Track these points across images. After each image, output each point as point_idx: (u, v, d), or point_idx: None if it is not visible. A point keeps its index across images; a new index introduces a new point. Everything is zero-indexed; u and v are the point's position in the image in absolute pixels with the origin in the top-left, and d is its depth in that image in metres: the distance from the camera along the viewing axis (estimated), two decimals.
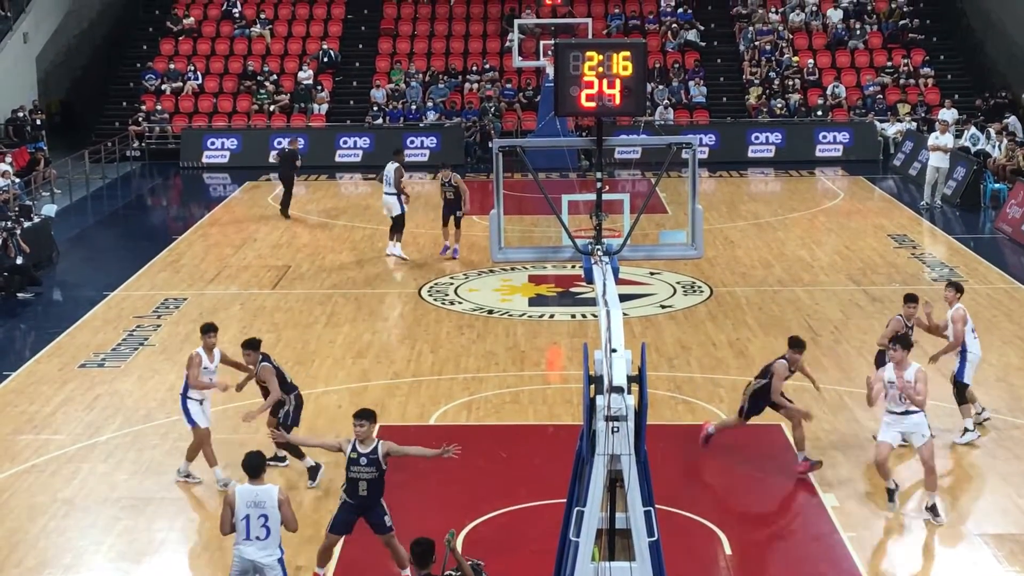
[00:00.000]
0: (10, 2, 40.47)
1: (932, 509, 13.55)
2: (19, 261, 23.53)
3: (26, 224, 25.20)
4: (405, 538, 13.09)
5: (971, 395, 16.01)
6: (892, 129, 38.27)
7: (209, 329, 15.00)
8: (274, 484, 11.20)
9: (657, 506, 8.77)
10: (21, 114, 37.95)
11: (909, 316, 15.96)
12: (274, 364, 14.73)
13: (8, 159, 33.04)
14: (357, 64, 42.80)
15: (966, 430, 15.88)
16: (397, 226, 25.47)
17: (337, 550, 12.71)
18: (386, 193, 25.57)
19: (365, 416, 12.03)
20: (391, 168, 25.58)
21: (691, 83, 41.02)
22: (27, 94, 39.82)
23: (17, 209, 26.44)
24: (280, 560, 11.00)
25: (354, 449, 11.93)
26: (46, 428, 16.47)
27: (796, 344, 14.92)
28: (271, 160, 37.54)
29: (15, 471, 15.07)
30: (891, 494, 13.72)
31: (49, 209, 28.43)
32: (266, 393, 14.57)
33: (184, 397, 14.61)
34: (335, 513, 12.19)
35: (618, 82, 9.38)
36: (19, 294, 23.23)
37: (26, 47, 40.73)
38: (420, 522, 13.39)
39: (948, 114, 35.51)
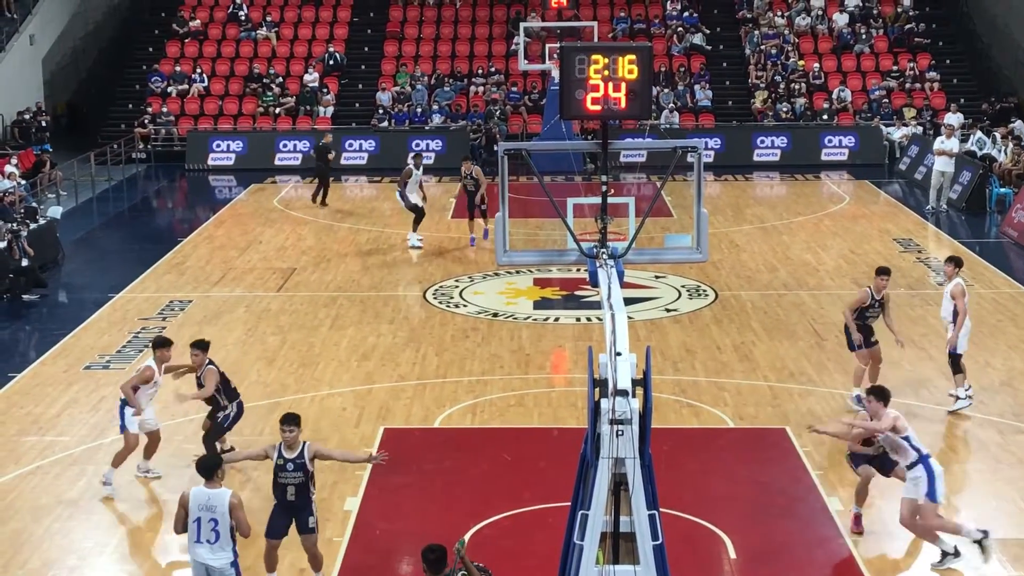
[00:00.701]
0: (17, 4, 40.54)
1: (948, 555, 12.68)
2: (24, 263, 23.56)
3: (32, 226, 25.23)
4: (412, 542, 13.12)
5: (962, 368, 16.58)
6: (898, 133, 38.25)
7: (164, 344, 14.94)
8: (228, 488, 11.10)
9: (661, 510, 8.76)
10: (27, 116, 38.04)
11: (879, 288, 16.34)
12: (219, 369, 14.80)
13: (14, 161, 33.08)
14: (363, 67, 42.84)
15: (957, 398, 16.52)
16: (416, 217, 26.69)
17: (340, 552, 12.72)
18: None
19: (293, 421, 11.97)
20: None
21: (697, 87, 41.02)
22: (33, 96, 39.91)
23: (23, 211, 26.47)
24: (233, 563, 10.89)
25: (280, 455, 11.87)
26: (51, 430, 16.48)
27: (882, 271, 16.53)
28: (277, 162, 37.70)
29: (20, 472, 15.08)
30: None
31: (55, 211, 28.47)
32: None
33: (123, 402, 14.54)
34: (269, 518, 12.10)
35: (623, 85, 9.38)
36: (24, 296, 23.26)
37: (32, 49, 40.80)
38: (424, 525, 13.41)
39: (954, 118, 35.48)
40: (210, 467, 11.03)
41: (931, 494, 12.36)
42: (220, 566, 10.84)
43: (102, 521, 13.84)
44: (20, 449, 15.81)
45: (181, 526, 10.93)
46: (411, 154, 28.29)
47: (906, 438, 12.52)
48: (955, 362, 16.66)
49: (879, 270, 16.79)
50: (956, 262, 16.81)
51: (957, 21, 43.91)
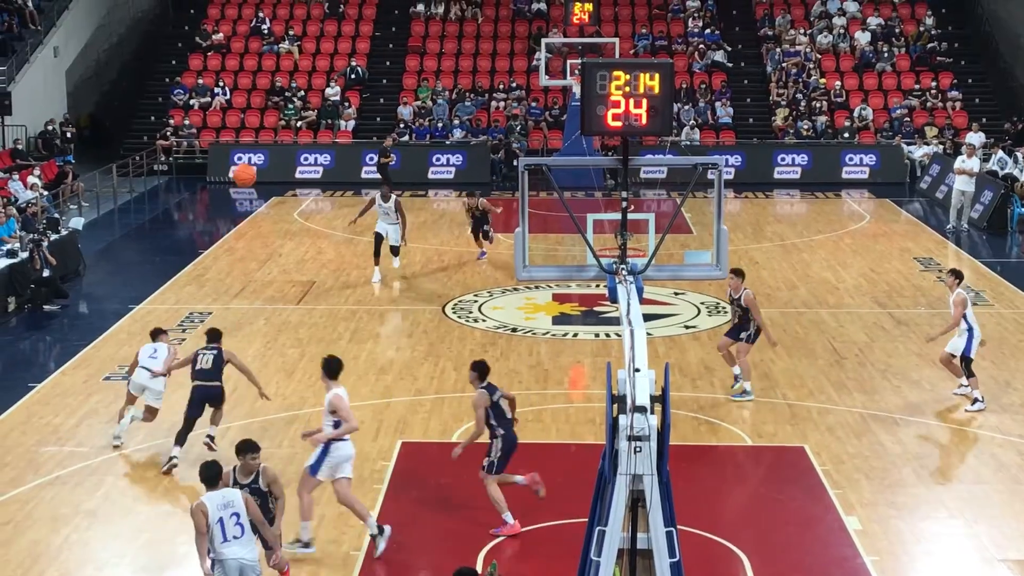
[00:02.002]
0: (41, 16, 40.78)
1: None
2: (46, 273, 23.66)
3: (53, 237, 25.35)
4: (429, 556, 13.12)
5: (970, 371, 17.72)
6: (919, 152, 38.17)
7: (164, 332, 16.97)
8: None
9: (679, 527, 8.75)
10: (50, 127, 38.21)
11: (736, 288, 17.71)
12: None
13: (37, 172, 33.25)
14: (384, 81, 42.95)
15: (976, 400, 17.50)
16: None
17: (357, 566, 12.73)
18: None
19: (256, 449, 11.86)
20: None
21: (718, 104, 41.03)
22: (57, 108, 40.11)
23: (45, 222, 26.59)
24: (256, 559, 11.23)
25: (235, 482, 11.67)
26: (70, 440, 16.53)
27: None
28: (298, 175, 37.91)
29: (39, 482, 15.13)
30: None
31: (77, 222, 28.59)
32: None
33: (142, 367, 16.19)
34: None
35: (645, 102, 9.39)
36: (45, 306, 23.36)
37: (56, 61, 41.02)
38: (442, 542, 13.42)
39: (975, 138, 35.40)
40: (214, 476, 11.22)
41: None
42: (251, 559, 11.07)
43: (120, 532, 13.87)
44: (39, 459, 15.86)
45: (205, 528, 10.99)
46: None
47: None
48: (967, 366, 17.59)
49: (734, 271, 17.54)
50: (956, 274, 18.01)
51: (979, 40, 43.82)
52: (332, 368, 13.21)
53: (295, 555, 12.80)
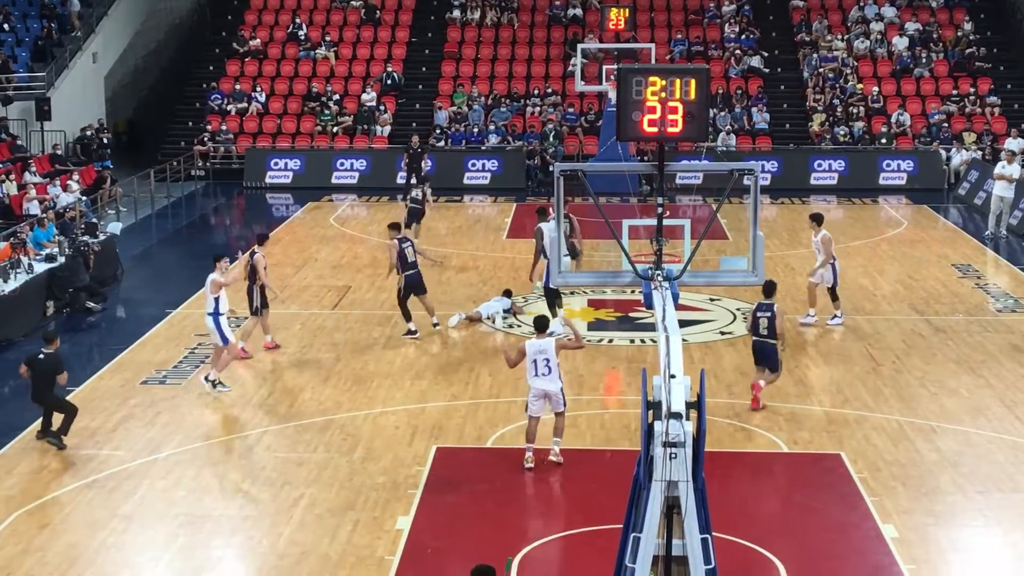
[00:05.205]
0: (81, 22, 41.09)
1: None
2: (85, 278, 23.85)
3: (92, 241, 25.53)
4: (464, 561, 13.11)
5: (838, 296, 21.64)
6: (957, 158, 37.94)
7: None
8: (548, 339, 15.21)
9: (714, 534, 8.71)
10: (89, 132, 38.49)
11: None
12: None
13: (75, 177, 33.50)
14: (420, 87, 43.03)
15: (835, 315, 21.86)
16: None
17: (392, 571, 12.75)
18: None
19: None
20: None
21: (754, 109, 40.90)
22: (95, 113, 40.41)
23: (83, 226, 26.78)
24: (561, 389, 15.33)
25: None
26: (107, 444, 16.62)
27: None
28: (334, 180, 38.03)
29: (76, 486, 15.22)
30: None
31: (115, 227, 28.76)
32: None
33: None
34: None
35: (680, 107, 9.37)
36: (88, 303, 23.59)
37: (95, 67, 41.33)
38: (475, 544, 13.40)
39: (1014, 143, 35.15)
40: (543, 324, 15.53)
41: None
42: (554, 390, 15.25)
43: (156, 536, 13.93)
44: (77, 462, 15.95)
45: (514, 364, 15.64)
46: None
47: None
48: (833, 293, 21.81)
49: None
50: (817, 219, 21.99)
51: (1018, 46, 43.50)
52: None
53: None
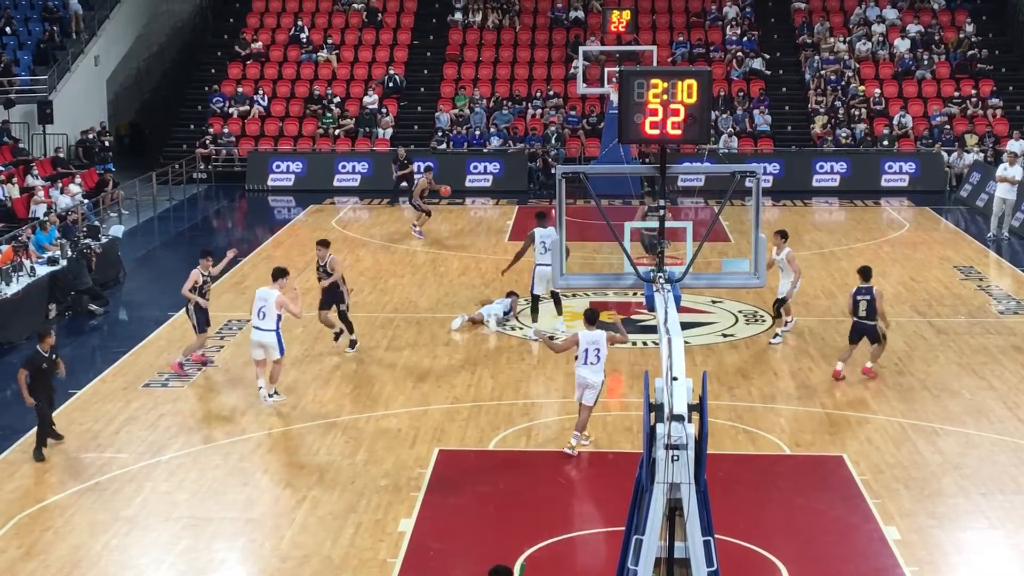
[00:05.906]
0: (83, 25, 41.12)
1: None
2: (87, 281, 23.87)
3: (93, 244, 25.54)
4: (466, 564, 13.11)
5: (788, 308, 21.25)
6: (960, 163, 37.91)
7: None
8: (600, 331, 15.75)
9: (716, 536, 8.71)
10: (91, 135, 38.52)
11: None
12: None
13: (78, 180, 33.52)
14: (422, 89, 43.05)
15: (777, 335, 21.18)
16: None
17: (394, 573, 12.75)
18: None
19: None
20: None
21: (756, 111, 40.90)
22: (97, 116, 40.44)
23: (85, 229, 26.80)
24: (602, 382, 15.93)
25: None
26: (109, 446, 16.63)
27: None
28: (336, 183, 38.00)
29: (78, 488, 15.22)
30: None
31: (117, 230, 28.78)
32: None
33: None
34: None
35: (682, 110, 9.38)
36: (91, 306, 23.60)
37: (97, 70, 41.36)
38: (478, 547, 13.40)
39: (1017, 145, 35.12)
40: (594, 316, 16.12)
41: None
42: (595, 381, 15.81)
43: (159, 538, 13.93)
44: (79, 465, 15.96)
45: (560, 350, 16.76)
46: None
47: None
48: (780, 306, 21.19)
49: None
50: (782, 235, 20.95)
51: (1020, 47, 43.50)
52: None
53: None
